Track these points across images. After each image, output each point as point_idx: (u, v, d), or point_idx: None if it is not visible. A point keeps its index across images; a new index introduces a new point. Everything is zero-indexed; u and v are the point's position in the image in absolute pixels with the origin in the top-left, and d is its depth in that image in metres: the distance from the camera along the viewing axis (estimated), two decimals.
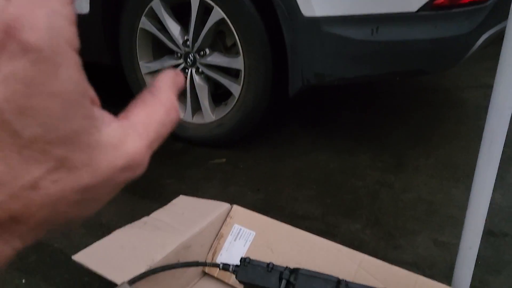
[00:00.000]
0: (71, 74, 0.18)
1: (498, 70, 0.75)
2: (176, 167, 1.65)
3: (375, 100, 2.21)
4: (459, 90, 2.24)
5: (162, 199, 1.27)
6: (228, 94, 1.64)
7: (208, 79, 1.65)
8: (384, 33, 1.34)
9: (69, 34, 0.18)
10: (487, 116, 0.83)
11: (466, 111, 2.02)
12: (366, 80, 1.70)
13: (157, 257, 0.98)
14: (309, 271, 0.88)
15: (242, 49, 1.50)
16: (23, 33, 0.16)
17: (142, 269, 0.94)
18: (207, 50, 1.61)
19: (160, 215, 1.15)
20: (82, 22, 1.79)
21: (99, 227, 1.32)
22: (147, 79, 1.76)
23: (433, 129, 1.86)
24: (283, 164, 1.64)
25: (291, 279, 0.88)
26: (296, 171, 1.59)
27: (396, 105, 2.12)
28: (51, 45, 0.17)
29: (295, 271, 0.89)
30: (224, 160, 1.68)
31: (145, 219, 1.14)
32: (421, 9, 1.30)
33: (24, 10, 0.16)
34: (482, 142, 0.84)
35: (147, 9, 1.63)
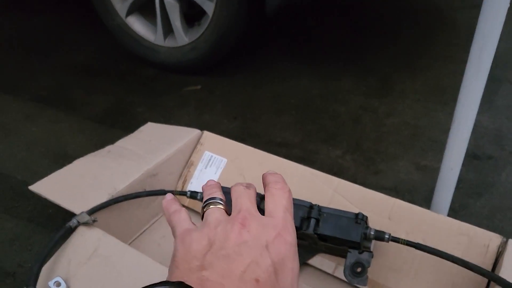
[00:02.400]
0: (297, 262, 0.34)
1: None
2: (147, 94, 1.55)
3: (361, 21, 2.07)
4: (452, 11, 2.10)
5: (132, 128, 1.18)
6: (202, 13, 1.50)
7: None
8: None
9: (296, 240, 0.36)
10: (475, 34, 0.74)
11: (458, 32, 1.91)
12: None
13: (119, 186, 0.91)
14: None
15: None
16: (286, 235, 0.34)
17: (104, 199, 0.88)
18: None
19: (125, 143, 1.07)
20: None
21: (64, 157, 1.24)
22: (114, 1, 1.60)
23: (422, 51, 1.75)
24: (261, 90, 1.54)
25: (261, 205, 0.82)
26: (275, 97, 1.50)
27: (384, 26, 1.99)
28: (294, 244, 0.35)
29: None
30: (199, 87, 1.58)
31: (109, 147, 1.06)
32: None
33: (286, 225, 0.36)
34: (469, 59, 0.76)
35: None
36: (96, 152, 1.04)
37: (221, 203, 0.38)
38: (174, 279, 0.32)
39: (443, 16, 2.08)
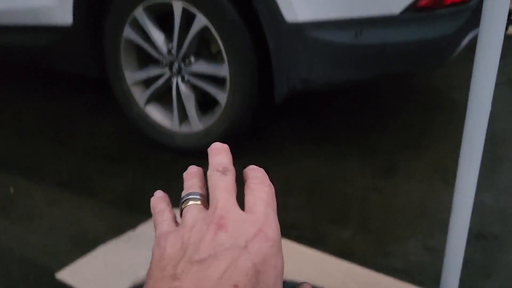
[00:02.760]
0: (281, 258, 0.31)
1: (473, 71, 0.75)
2: (164, 178, 1.63)
3: (364, 102, 2.20)
4: (451, 91, 2.23)
5: (150, 212, 1.25)
6: (215, 101, 1.63)
7: (194, 87, 1.64)
8: (368, 36, 1.33)
9: (280, 235, 0.32)
10: (466, 116, 0.82)
11: (457, 112, 2.01)
12: (353, 84, 1.69)
13: (141, 273, 0.96)
14: (293, 282, 0.86)
15: (226, 56, 1.49)
16: (267, 230, 0.31)
17: (126, 286, 0.92)
18: (192, 58, 1.60)
19: (145, 228, 1.13)
20: (65, 34, 1.78)
21: (85, 242, 1.29)
22: (133, 89, 1.74)
23: (424, 131, 1.85)
24: (271, 172, 1.60)
25: None
26: (285, 178, 1.57)
27: (386, 107, 2.11)
28: (277, 239, 0.31)
29: None
30: None
31: (130, 233, 1.12)
32: (404, 11, 1.29)
33: (268, 220, 0.32)
34: (462, 142, 0.83)
35: (130, 18, 1.62)
36: (118, 238, 1.10)
37: (199, 198, 0.35)
38: None
39: (441, 95, 2.21)
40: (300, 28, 1.33)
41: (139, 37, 1.65)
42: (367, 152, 1.70)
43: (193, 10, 1.48)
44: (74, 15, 1.70)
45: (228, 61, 1.49)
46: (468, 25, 1.39)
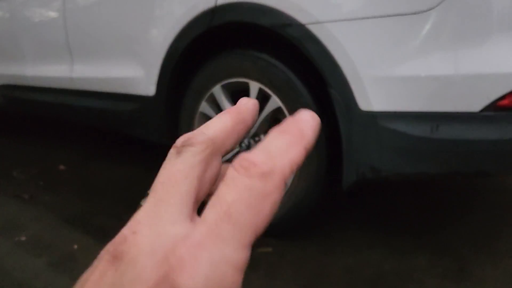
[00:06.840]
0: None
1: None
2: None
3: (437, 195, 2.09)
4: None
5: None
6: None
7: None
8: (444, 131, 1.29)
9: (230, 284, 0.17)
10: None
11: None
12: (425, 177, 1.63)
13: None
14: None
15: None
16: (179, 277, 0.17)
17: None
18: (262, 136, 1.63)
19: None
20: (147, 103, 1.91)
21: None
22: None
23: (501, 234, 1.70)
24: (333, 260, 1.54)
25: None
26: (346, 269, 1.49)
27: (460, 203, 2.00)
28: None
29: None
30: (270, 249, 1.62)
31: None
32: (485, 109, 1.25)
33: (188, 253, 0.17)
34: None
35: (208, 94, 1.72)
36: None
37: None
38: None
39: None
40: (374, 117, 1.33)
41: (214, 111, 1.73)
42: (437, 250, 1.58)
43: (269, 91, 1.54)
44: (157, 87, 1.84)
45: None
46: None
